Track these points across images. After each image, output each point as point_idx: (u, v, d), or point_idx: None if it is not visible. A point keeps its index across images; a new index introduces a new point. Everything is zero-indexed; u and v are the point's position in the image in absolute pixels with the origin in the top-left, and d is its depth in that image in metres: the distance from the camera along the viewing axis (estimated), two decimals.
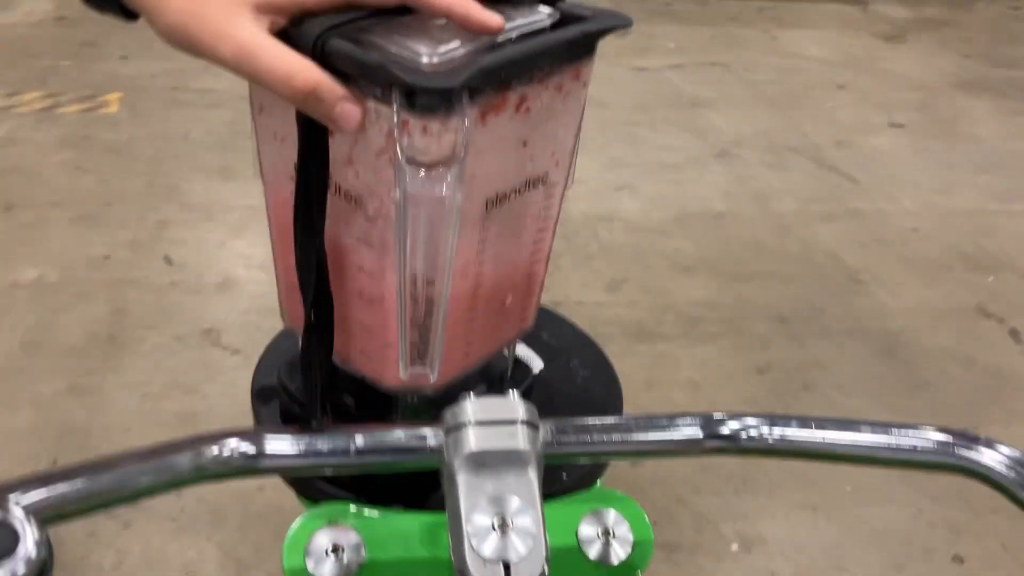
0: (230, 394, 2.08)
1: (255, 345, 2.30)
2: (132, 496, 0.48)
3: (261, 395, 0.71)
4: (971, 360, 2.45)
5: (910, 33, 5.05)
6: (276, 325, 2.28)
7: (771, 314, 2.56)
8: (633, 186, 3.14)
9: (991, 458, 0.53)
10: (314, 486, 0.65)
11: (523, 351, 0.75)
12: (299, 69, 0.47)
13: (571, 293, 2.55)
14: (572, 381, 0.76)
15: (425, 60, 0.48)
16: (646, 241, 2.84)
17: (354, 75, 0.49)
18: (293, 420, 0.68)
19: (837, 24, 5.10)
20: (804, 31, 4.91)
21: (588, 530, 0.61)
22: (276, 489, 1.85)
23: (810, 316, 2.57)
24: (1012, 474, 0.52)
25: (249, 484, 1.87)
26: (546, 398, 0.73)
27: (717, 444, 0.54)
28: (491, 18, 0.49)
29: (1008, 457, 0.53)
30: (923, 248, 2.95)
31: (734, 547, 1.86)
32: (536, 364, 0.75)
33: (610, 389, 0.76)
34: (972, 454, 0.53)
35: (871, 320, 2.58)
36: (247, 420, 2.10)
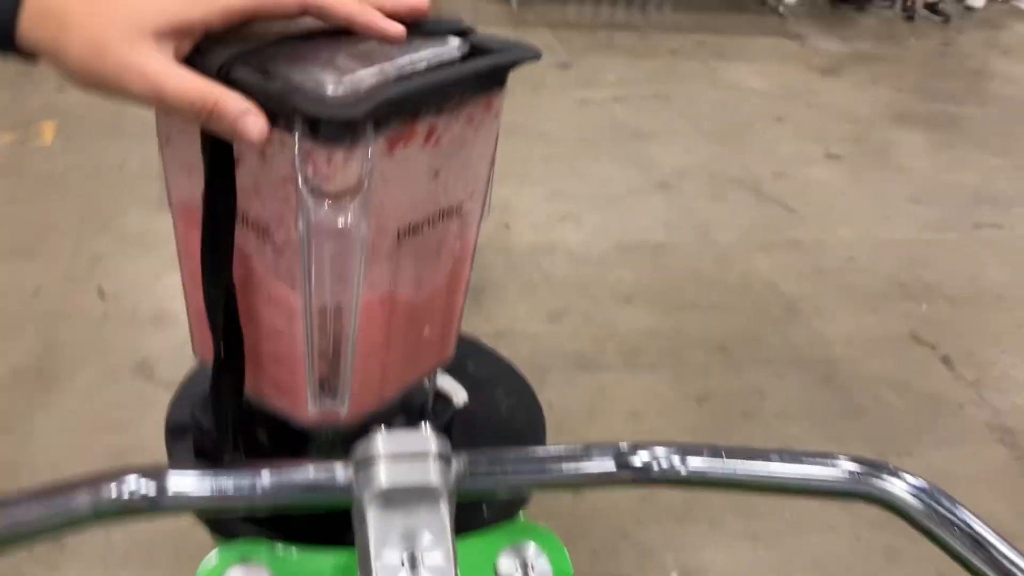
0: (163, 428, 2.03)
1: None
2: (24, 538, 0.46)
3: (175, 431, 0.70)
4: (905, 387, 2.49)
5: (845, 67, 5.18)
6: None
7: (711, 343, 2.59)
8: (576, 217, 3.15)
9: (897, 487, 0.53)
10: (226, 523, 0.63)
11: (447, 382, 0.74)
12: (201, 90, 0.46)
13: (515, 323, 2.55)
14: (496, 412, 0.76)
15: (330, 89, 0.48)
16: (589, 271, 2.86)
17: (258, 104, 0.48)
18: (206, 456, 0.67)
19: (775, 58, 5.21)
20: (743, 64, 5.01)
21: (507, 564, 0.60)
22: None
23: (749, 345, 2.60)
24: (916, 503, 0.52)
25: (183, 520, 1.82)
26: (469, 430, 0.72)
27: (629, 475, 0.54)
28: (392, 26, 0.50)
29: (913, 486, 0.53)
30: (859, 277, 3.01)
31: None
32: (460, 395, 0.74)
33: (533, 419, 0.75)
34: (879, 483, 0.54)
35: (809, 348, 2.61)
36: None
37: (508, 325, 2.53)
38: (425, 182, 0.54)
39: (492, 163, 0.59)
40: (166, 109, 0.47)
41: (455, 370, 0.74)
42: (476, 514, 0.65)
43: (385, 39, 0.50)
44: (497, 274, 2.89)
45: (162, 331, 2.36)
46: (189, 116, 0.47)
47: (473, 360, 0.80)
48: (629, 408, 2.30)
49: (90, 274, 2.56)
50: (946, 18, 6.35)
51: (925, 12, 6.36)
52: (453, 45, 0.55)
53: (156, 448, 2.05)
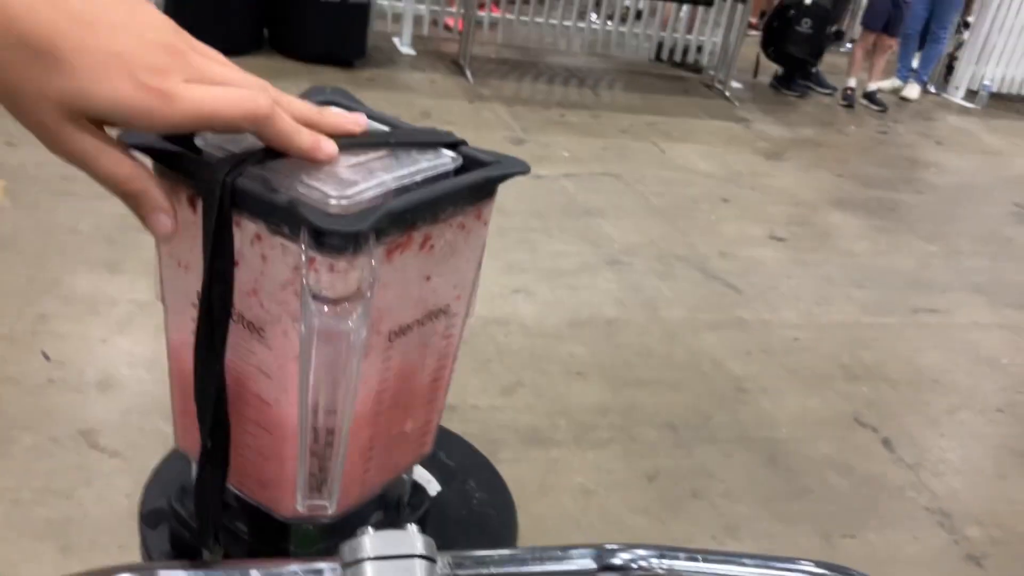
0: (107, 499, 1.99)
1: (135, 448, 2.21)
2: None
3: (149, 519, 0.69)
4: (849, 468, 2.55)
5: (789, 151, 5.37)
6: (159, 427, 2.20)
7: (660, 421, 2.62)
8: (529, 290, 3.19)
9: None
10: None
11: (420, 472, 0.75)
12: (131, 175, 0.49)
13: (468, 397, 2.56)
14: (468, 504, 0.77)
15: (333, 202, 0.50)
16: (541, 345, 2.88)
17: (262, 213, 0.50)
18: (183, 546, 0.66)
19: (722, 140, 5.39)
20: (691, 145, 5.16)
21: None
22: None
23: (697, 424, 2.64)
24: None
25: None
26: (442, 522, 0.73)
27: None
28: (327, 149, 0.51)
29: None
30: (804, 358, 3.08)
31: None
32: (433, 487, 0.75)
33: (505, 513, 0.76)
34: None
35: (755, 429, 2.66)
36: (123, 528, 2.00)
37: (460, 398, 2.53)
38: (417, 285, 0.56)
39: (479, 267, 0.62)
40: (96, 180, 0.49)
41: (426, 459, 0.75)
42: None
43: (316, 162, 0.52)
44: None
45: (108, 397, 2.32)
46: (113, 192, 0.49)
47: (443, 448, 0.81)
48: (580, 484, 2.31)
49: (35, 336, 2.51)
50: (883, 108, 6.63)
51: (864, 101, 6.64)
52: (447, 157, 0.57)
53: (100, 519, 2.01)
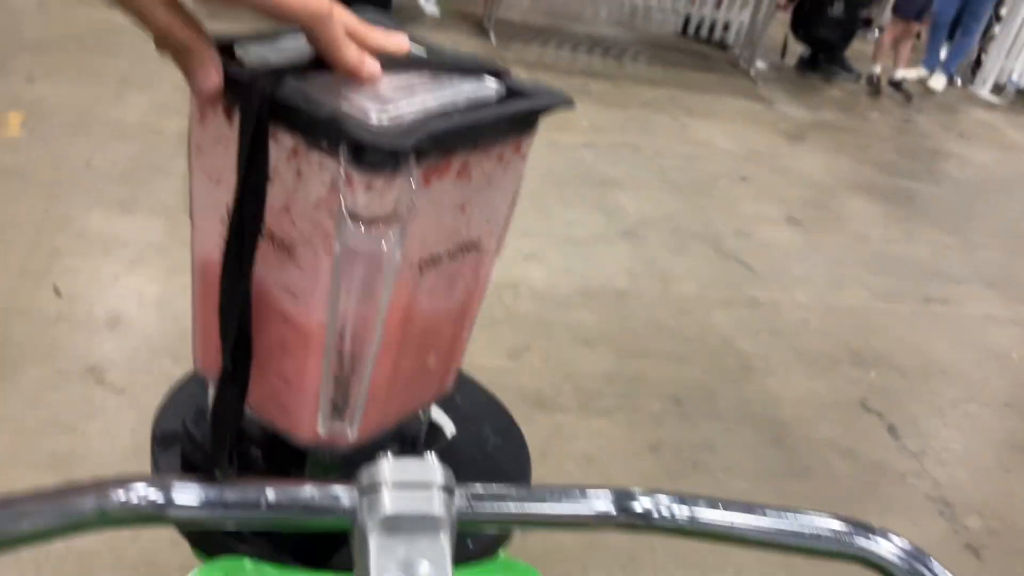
0: (112, 435, 2.00)
1: (141, 386, 2.21)
2: (29, 538, 0.45)
3: (162, 440, 0.69)
4: (851, 452, 2.54)
5: (810, 134, 5.32)
6: (166, 367, 2.20)
7: (666, 393, 2.61)
8: (541, 256, 3.18)
9: (886, 549, 0.55)
10: (211, 537, 0.62)
11: (437, 414, 0.74)
12: (184, 25, 0.48)
13: (473, 357, 2.53)
14: (483, 448, 0.76)
15: (374, 118, 0.48)
16: (550, 311, 2.87)
17: (301, 127, 0.49)
18: (195, 469, 0.66)
19: (743, 119, 5.34)
20: (712, 122, 5.12)
21: None
22: (151, 539, 1.77)
23: (703, 398, 2.63)
24: (904, 565, 0.54)
25: (122, 532, 1.79)
26: (456, 463, 0.73)
27: (629, 520, 0.55)
28: (369, 67, 0.51)
29: (901, 549, 0.55)
30: (813, 340, 3.07)
31: None
32: (448, 428, 0.74)
33: (519, 458, 0.76)
34: (868, 544, 0.55)
35: (760, 407, 2.65)
36: (127, 464, 2.02)
37: (467, 358, 2.52)
38: (452, 215, 0.55)
39: (513, 203, 0.60)
40: (148, 28, 0.48)
41: (443, 401, 0.75)
42: (462, 547, 0.65)
43: (358, 79, 0.51)
44: None
45: (117, 335, 2.32)
46: (164, 43, 0.48)
47: (461, 393, 0.81)
48: (583, 451, 2.31)
49: (47, 271, 2.51)
50: (908, 97, 6.56)
51: (889, 89, 6.57)
52: (491, 85, 0.56)
53: (104, 454, 2.01)
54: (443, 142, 0.50)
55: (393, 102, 0.50)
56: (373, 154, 0.47)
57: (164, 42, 0.48)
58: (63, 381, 2.14)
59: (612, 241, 3.45)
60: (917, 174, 5.08)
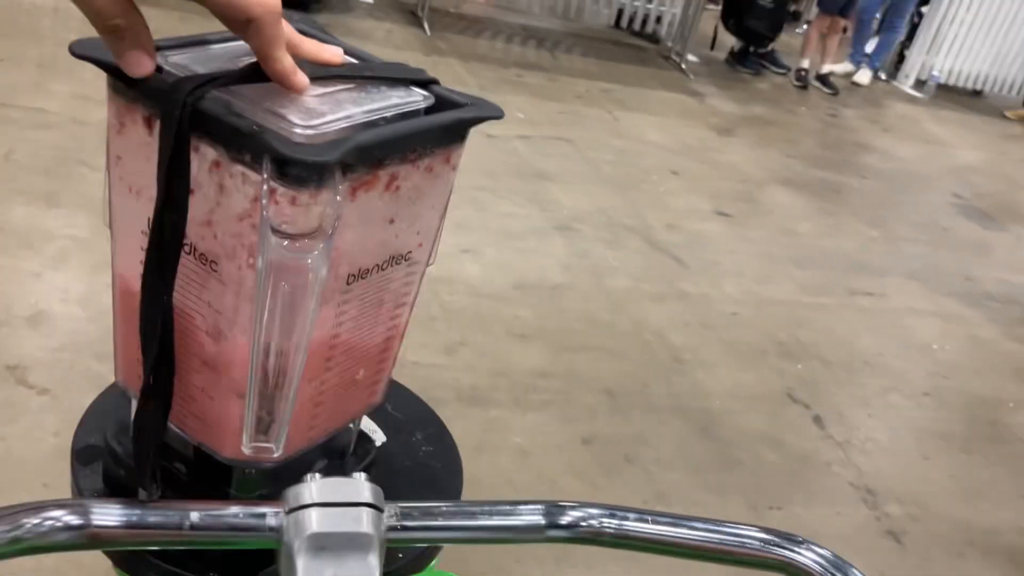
0: (34, 437, 1.94)
1: (66, 386, 2.15)
2: None
3: (82, 455, 0.66)
4: (779, 443, 2.60)
5: (739, 128, 5.40)
6: (90, 366, 2.14)
7: (599, 387, 2.64)
8: (477, 250, 3.18)
9: (808, 557, 0.56)
10: (136, 558, 0.61)
11: (366, 422, 0.73)
12: (118, 9, 0.46)
13: (409, 353, 2.53)
14: (414, 456, 0.75)
15: (299, 131, 0.47)
16: (486, 306, 2.87)
17: (223, 138, 0.47)
18: (117, 485, 0.64)
19: (675, 113, 5.39)
20: (644, 116, 5.16)
21: None
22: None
23: (635, 391, 2.66)
24: (825, 573, 0.55)
25: (84, 557, 1.73)
26: (386, 472, 0.72)
27: (558, 533, 0.55)
28: (299, 80, 0.50)
29: (822, 557, 0.56)
30: (741, 333, 3.12)
31: None
32: (379, 436, 0.74)
33: (451, 466, 0.75)
34: (791, 553, 0.56)
35: (691, 399, 2.69)
36: (51, 466, 1.95)
37: (401, 354, 2.51)
38: (380, 228, 0.54)
39: (443, 214, 0.60)
40: (83, 9, 0.47)
41: (374, 409, 0.74)
42: (392, 560, 0.65)
43: (289, 90, 0.50)
44: None
45: (39, 333, 2.25)
46: (98, 24, 0.47)
47: (392, 401, 0.80)
48: (517, 444, 2.32)
49: None
50: (835, 91, 6.71)
51: (816, 83, 6.71)
52: (419, 95, 0.55)
53: (26, 457, 1.95)
54: (369, 155, 0.49)
55: (318, 115, 0.49)
56: (297, 168, 0.46)
57: (99, 21, 0.47)
58: None
59: (547, 235, 3.46)
60: (843, 167, 5.20)
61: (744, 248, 3.81)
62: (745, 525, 0.58)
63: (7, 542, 0.45)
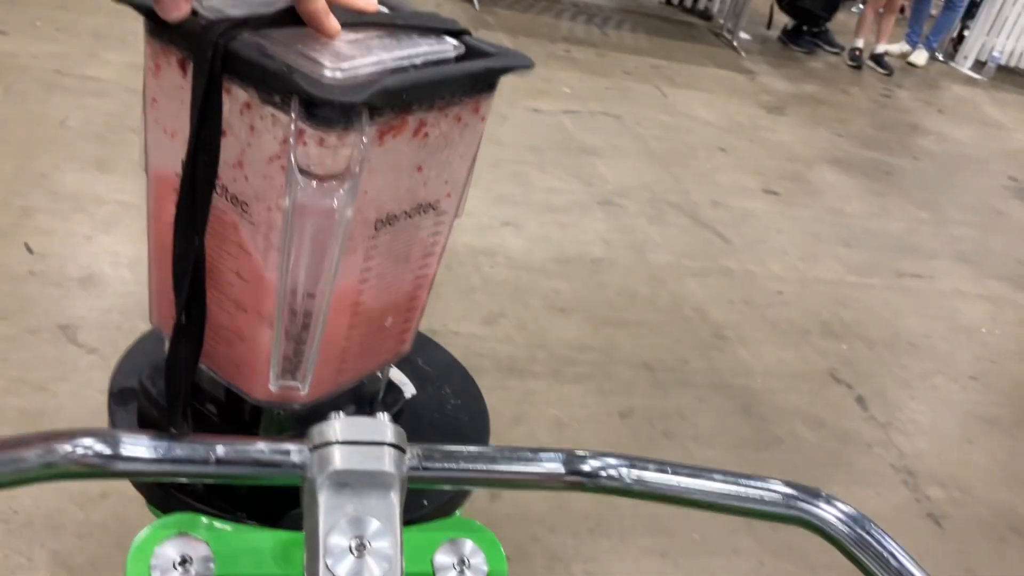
0: (82, 395, 1.99)
1: (114, 346, 2.21)
2: None
3: (119, 396, 0.68)
4: (820, 422, 2.57)
5: (790, 107, 5.32)
6: (139, 327, 2.19)
7: (638, 361, 2.63)
8: (518, 224, 3.18)
9: (828, 513, 0.56)
10: (165, 494, 0.63)
11: (396, 374, 0.75)
12: None
13: (449, 323, 2.55)
14: (442, 408, 0.77)
15: (328, 73, 0.48)
16: (526, 279, 2.88)
17: (254, 79, 0.48)
18: (151, 425, 0.66)
19: (725, 90, 5.32)
20: (693, 92, 5.10)
21: (444, 558, 0.61)
22: (121, 497, 1.77)
23: (674, 367, 2.65)
24: (845, 529, 0.55)
25: (92, 489, 1.79)
26: (415, 423, 0.73)
27: (577, 480, 0.55)
28: (331, 24, 0.51)
29: (843, 513, 0.56)
30: (785, 311, 3.09)
31: None
32: (408, 388, 0.75)
33: (478, 419, 0.76)
34: (812, 508, 0.56)
35: (731, 376, 2.68)
36: (98, 421, 1.99)
37: (442, 324, 2.53)
38: (408, 175, 0.55)
39: (472, 165, 0.60)
40: None
41: (404, 362, 0.75)
42: (416, 506, 0.66)
43: (320, 33, 0.51)
44: (437, 271, 2.89)
45: (89, 294, 2.30)
46: None
47: (423, 355, 0.81)
48: (553, 416, 2.33)
49: (19, 228, 2.48)
50: (889, 71, 6.57)
51: (870, 63, 6.57)
52: (449, 44, 0.56)
53: (74, 413, 2.00)
54: (396, 98, 0.50)
55: (348, 58, 0.50)
56: (325, 109, 0.47)
57: None
58: (33, 339, 2.12)
59: (590, 209, 3.45)
60: (895, 149, 5.10)
61: (790, 227, 3.76)
62: (767, 478, 0.58)
63: (39, 467, 0.46)
